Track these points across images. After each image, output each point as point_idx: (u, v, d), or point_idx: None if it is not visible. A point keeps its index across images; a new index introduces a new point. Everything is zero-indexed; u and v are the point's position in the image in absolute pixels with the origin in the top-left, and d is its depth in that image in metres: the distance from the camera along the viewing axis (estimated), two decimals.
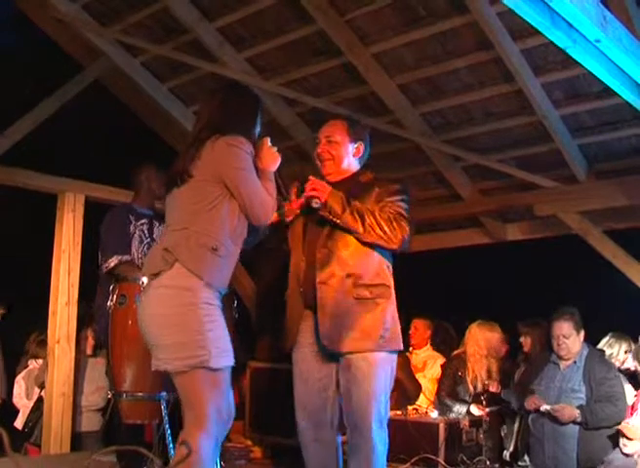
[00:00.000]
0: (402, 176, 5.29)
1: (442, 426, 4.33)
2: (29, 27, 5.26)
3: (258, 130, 2.78)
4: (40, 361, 5.10)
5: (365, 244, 2.95)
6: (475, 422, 4.54)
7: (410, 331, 5.48)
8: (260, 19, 4.81)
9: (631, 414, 4.11)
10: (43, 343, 5.01)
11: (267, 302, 5.08)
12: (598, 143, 4.99)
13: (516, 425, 4.57)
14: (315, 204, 2.94)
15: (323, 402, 2.99)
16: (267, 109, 5.32)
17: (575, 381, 4.13)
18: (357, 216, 2.91)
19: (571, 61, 3.29)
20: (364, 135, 3.19)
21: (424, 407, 4.82)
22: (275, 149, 2.78)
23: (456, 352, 5.11)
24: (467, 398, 4.83)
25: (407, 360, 5.19)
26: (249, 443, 4.91)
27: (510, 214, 5.99)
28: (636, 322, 4.76)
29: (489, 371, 4.92)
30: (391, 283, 3.02)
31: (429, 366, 5.44)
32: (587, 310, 4.38)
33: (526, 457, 4.33)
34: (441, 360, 5.35)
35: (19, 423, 5.11)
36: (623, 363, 4.62)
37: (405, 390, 4.87)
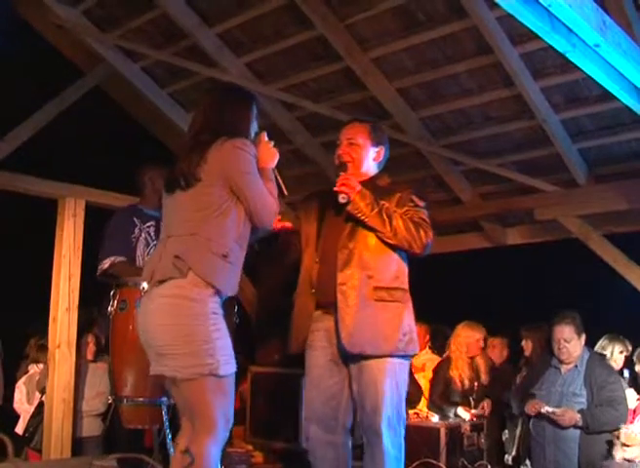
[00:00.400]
0: (401, 181, 5.29)
1: (443, 430, 4.33)
2: (30, 33, 5.26)
3: (255, 128, 2.77)
4: (41, 365, 5.09)
5: (387, 246, 2.93)
6: (476, 426, 4.54)
7: None
8: (259, 25, 4.82)
9: (633, 419, 4.11)
10: (43, 348, 5.01)
11: (268, 307, 5.08)
12: (598, 147, 5.00)
13: (518, 429, 4.57)
14: (342, 199, 2.91)
15: (335, 407, 2.96)
16: (267, 114, 5.33)
17: (576, 385, 4.13)
18: (385, 217, 2.89)
19: (570, 66, 3.30)
20: (384, 139, 3.18)
21: (425, 411, 4.82)
22: (272, 144, 2.76)
23: (445, 355, 5.14)
24: (459, 399, 4.85)
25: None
26: (250, 447, 4.90)
27: (510, 219, 6.00)
28: (637, 325, 4.77)
29: (476, 370, 4.93)
30: (407, 287, 3.01)
31: (428, 367, 5.45)
32: (588, 314, 4.38)
33: (527, 461, 4.32)
34: None
35: (19, 428, 5.10)
36: (623, 365, 4.63)
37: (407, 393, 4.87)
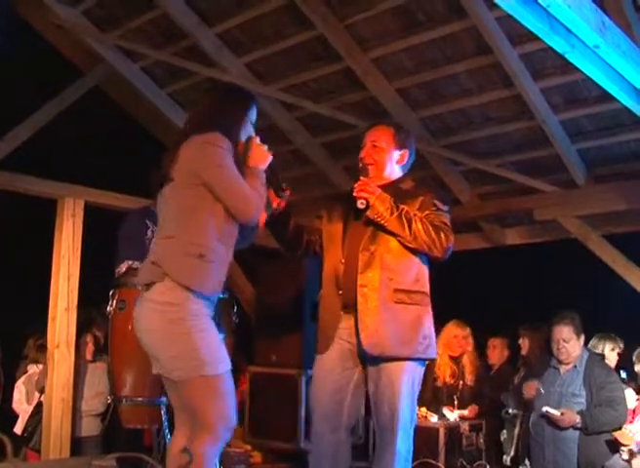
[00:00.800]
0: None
1: (442, 431, 4.34)
2: (29, 33, 5.26)
3: (249, 129, 2.72)
4: (40, 365, 5.10)
5: (408, 249, 2.93)
6: (475, 427, 4.54)
7: None
8: (259, 25, 4.82)
9: (633, 419, 4.12)
10: (42, 348, 5.01)
11: (267, 307, 5.07)
12: (597, 148, 5.00)
13: (516, 430, 4.57)
14: (361, 204, 2.91)
15: (339, 402, 2.96)
16: (267, 114, 5.33)
17: (575, 386, 4.13)
18: (405, 221, 2.89)
19: (570, 67, 3.30)
20: (409, 142, 3.16)
21: (424, 411, 4.82)
22: (266, 148, 2.72)
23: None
24: (444, 399, 4.87)
25: None
26: (248, 447, 4.91)
27: (509, 219, 6.00)
28: (636, 326, 4.77)
29: (461, 370, 4.94)
30: (428, 291, 3.02)
31: None
32: (587, 314, 4.38)
33: (527, 462, 4.32)
34: None
35: (18, 428, 5.10)
36: (617, 362, 4.64)
37: None
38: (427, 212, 2.97)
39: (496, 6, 2.68)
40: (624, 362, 4.81)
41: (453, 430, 4.42)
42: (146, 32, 5.18)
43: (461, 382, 4.95)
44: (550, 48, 2.92)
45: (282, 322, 4.89)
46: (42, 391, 4.89)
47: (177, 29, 5.00)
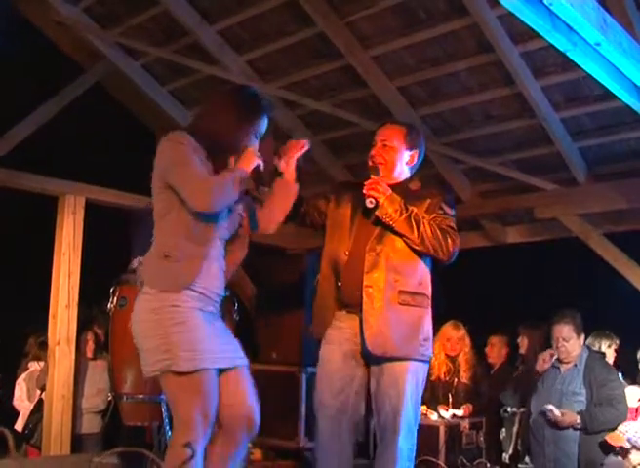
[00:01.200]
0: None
1: (442, 429, 4.34)
2: (30, 30, 5.26)
3: (252, 142, 2.64)
4: (42, 363, 5.10)
5: (413, 251, 2.94)
6: (475, 425, 4.54)
7: None
8: (260, 22, 4.81)
9: (636, 417, 4.12)
10: (44, 345, 5.02)
11: (268, 304, 5.08)
12: (598, 146, 5.00)
13: (515, 428, 4.58)
14: (370, 203, 2.90)
15: (344, 402, 2.96)
16: None
17: (575, 384, 4.13)
18: (413, 223, 2.89)
19: (571, 65, 3.29)
20: (420, 142, 3.15)
21: (424, 409, 4.82)
22: (257, 155, 2.62)
23: None
24: (440, 396, 4.87)
25: None
26: (249, 445, 4.90)
27: (510, 217, 6.00)
28: (637, 325, 4.76)
29: (457, 368, 4.95)
30: (430, 293, 3.03)
31: None
32: (588, 313, 4.38)
33: (527, 459, 4.32)
34: None
35: (19, 425, 5.11)
36: (615, 359, 4.65)
37: None
38: (435, 214, 2.97)
39: (497, 4, 2.68)
40: (622, 361, 4.81)
41: (453, 428, 4.42)
42: (147, 29, 5.17)
43: (456, 380, 4.96)
44: (552, 46, 2.91)
45: (283, 319, 4.90)
46: (43, 388, 4.90)
47: (178, 27, 4.99)
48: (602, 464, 3.98)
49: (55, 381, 4.75)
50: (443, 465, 4.21)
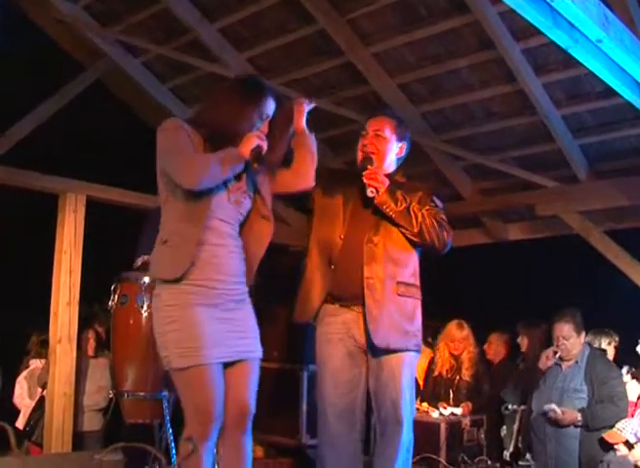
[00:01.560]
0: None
1: (443, 426, 4.34)
2: (31, 28, 5.25)
3: (258, 113, 2.58)
4: (42, 360, 5.10)
5: (409, 242, 2.95)
6: (476, 422, 4.54)
7: None
8: (260, 20, 4.81)
9: (634, 412, 4.12)
10: (45, 343, 5.02)
11: (269, 302, 5.08)
12: (599, 143, 4.99)
13: (516, 425, 4.58)
14: (371, 193, 2.89)
15: (353, 401, 2.96)
16: None
17: (577, 381, 4.13)
18: (412, 214, 2.90)
19: (572, 61, 3.29)
20: (408, 135, 3.16)
21: (425, 406, 4.83)
22: (259, 137, 2.53)
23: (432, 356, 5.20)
24: (442, 393, 4.88)
25: None
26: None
27: (511, 214, 6.00)
28: (638, 322, 4.76)
29: (460, 365, 4.96)
30: (419, 285, 3.04)
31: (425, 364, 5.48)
32: (588, 311, 4.38)
33: (528, 456, 4.33)
34: None
35: (19, 423, 5.11)
36: (615, 356, 4.65)
37: None
38: (428, 207, 2.98)
39: (498, 0, 2.68)
40: (623, 356, 4.81)
41: (454, 425, 4.42)
42: (148, 27, 5.17)
43: (458, 377, 4.96)
44: (553, 43, 2.90)
45: (284, 317, 4.89)
46: (44, 386, 4.90)
47: (178, 24, 4.99)
48: (602, 461, 3.98)
49: (56, 379, 4.75)
50: (444, 462, 4.21)
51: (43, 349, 5.12)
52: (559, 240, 5.77)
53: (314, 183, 2.78)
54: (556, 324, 4.23)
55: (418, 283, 3.02)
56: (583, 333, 4.24)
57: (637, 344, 4.67)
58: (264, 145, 2.53)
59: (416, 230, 2.90)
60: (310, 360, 4.13)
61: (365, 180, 2.91)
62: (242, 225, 2.63)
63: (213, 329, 2.45)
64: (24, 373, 5.25)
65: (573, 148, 5.02)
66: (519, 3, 2.55)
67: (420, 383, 5.20)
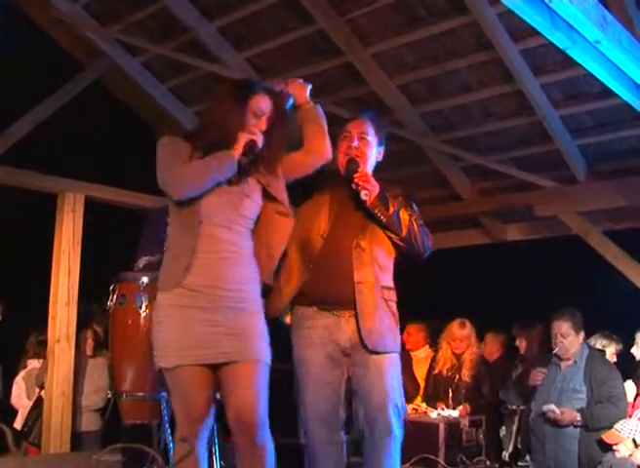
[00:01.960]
0: (401, 177, 5.29)
1: (442, 426, 4.33)
2: (29, 27, 5.25)
3: (252, 111, 2.56)
4: (40, 360, 5.10)
5: (395, 247, 2.94)
6: (475, 422, 4.54)
7: (404, 337, 5.49)
8: (259, 19, 4.81)
9: (632, 413, 4.12)
10: (43, 343, 5.02)
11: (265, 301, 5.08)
12: (597, 144, 5.00)
13: (515, 426, 4.58)
14: (365, 196, 2.86)
15: (335, 404, 2.95)
16: None
17: (576, 381, 4.13)
18: (402, 219, 2.90)
19: (570, 62, 3.29)
20: (385, 140, 3.13)
21: (424, 406, 4.83)
22: (253, 132, 2.53)
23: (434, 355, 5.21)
24: (441, 392, 4.88)
25: (408, 359, 5.23)
26: None
27: (510, 215, 6.00)
28: (637, 323, 4.76)
29: (460, 364, 4.96)
30: None
31: (426, 364, 5.48)
32: (587, 311, 4.38)
33: (527, 456, 4.33)
34: None
35: (17, 424, 5.11)
36: (617, 360, 4.65)
37: (405, 390, 4.89)
38: (409, 212, 2.97)
39: (497, 1, 2.68)
40: (624, 361, 4.80)
41: (453, 426, 4.41)
42: (147, 26, 5.17)
43: (458, 376, 4.96)
44: (551, 43, 2.91)
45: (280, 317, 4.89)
46: (42, 386, 4.90)
47: (177, 24, 4.99)
48: (601, 462, 3.98)
49: (54, 379, 4.75)
50: (443, 463, 4.21)
51: (41, 349, 5.12)
52: (558, 240, 5.77)
53: (331, 156, 2.77)
54: (555, 321, 4.23)
55: (394, 286, 3.02)
56: (582, 333, 4.24)
57: (633, 345, 4.68)
58: (259, 140, 2.53)
59: (404, 235, 2.89)
60: None
61: (359, 183, 2.86)
62: (258, 223, 2.62)
63: (197, 330, 2.43)
64: (22, 374, 5.24)
65: (571, 149, 5.02)
66: (517, 4, 2.55)
67: (422, 384, 5.21)
